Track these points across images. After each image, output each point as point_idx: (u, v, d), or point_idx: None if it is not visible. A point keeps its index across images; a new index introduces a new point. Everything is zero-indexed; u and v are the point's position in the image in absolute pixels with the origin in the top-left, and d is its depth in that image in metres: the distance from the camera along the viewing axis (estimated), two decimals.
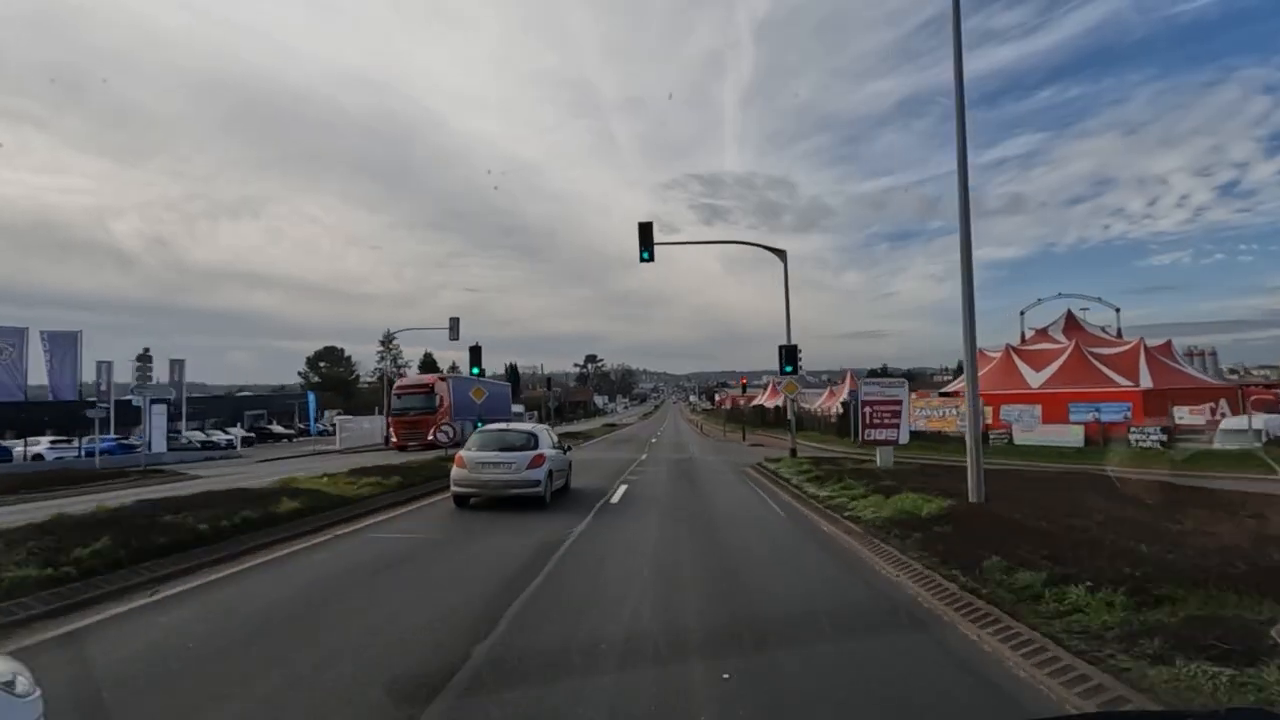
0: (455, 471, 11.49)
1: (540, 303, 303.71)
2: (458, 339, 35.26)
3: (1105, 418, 25.17)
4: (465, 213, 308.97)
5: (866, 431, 16.67)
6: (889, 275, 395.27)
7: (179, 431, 35.58)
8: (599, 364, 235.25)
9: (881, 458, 16.68)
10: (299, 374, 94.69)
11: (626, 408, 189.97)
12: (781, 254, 20.74)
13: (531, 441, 11.92)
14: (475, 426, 15.89)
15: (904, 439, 16.75)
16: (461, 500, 11.49)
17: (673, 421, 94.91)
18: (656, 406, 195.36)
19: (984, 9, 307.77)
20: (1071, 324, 33.84)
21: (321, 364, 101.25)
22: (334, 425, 47.58)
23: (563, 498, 12.55)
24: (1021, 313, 40.72)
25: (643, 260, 20.04)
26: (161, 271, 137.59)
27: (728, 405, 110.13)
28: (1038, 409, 27.14)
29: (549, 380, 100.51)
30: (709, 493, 13.93)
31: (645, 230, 19.92)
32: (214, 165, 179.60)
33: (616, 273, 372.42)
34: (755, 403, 71.58)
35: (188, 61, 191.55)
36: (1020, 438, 26.59)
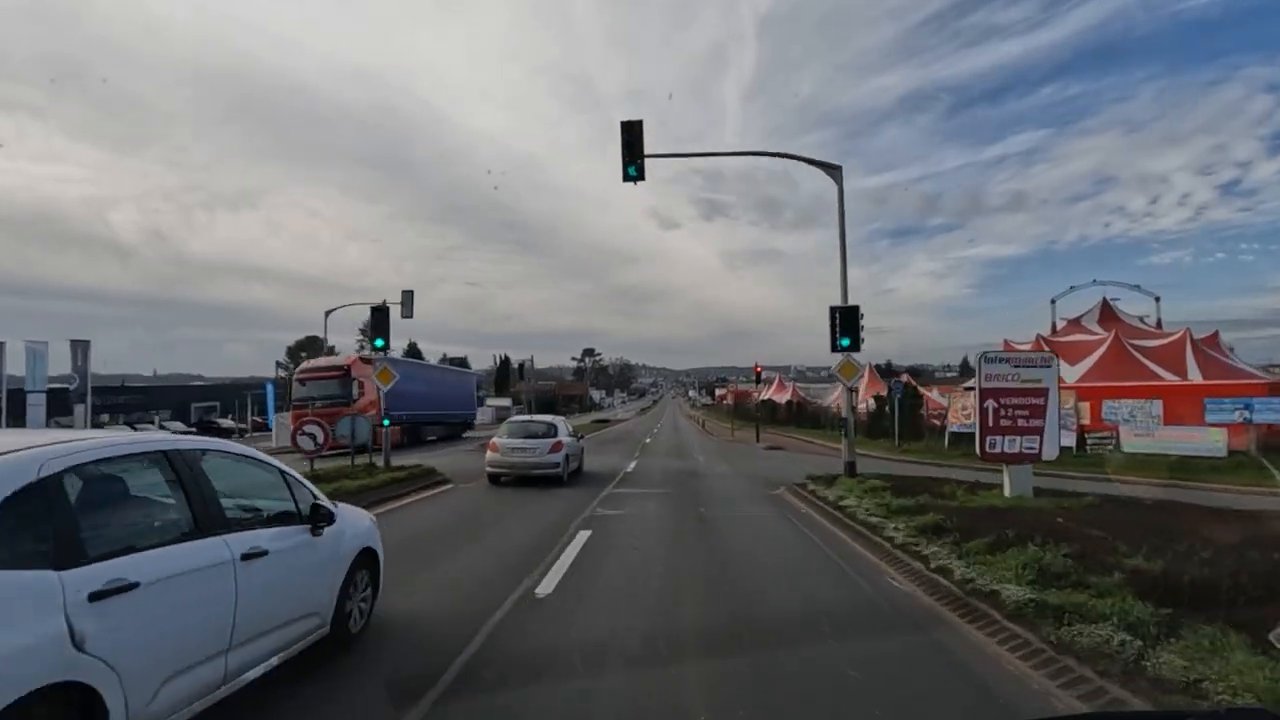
0: (489, 455, 14.07)
1: (541, 297, 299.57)
2: (411, 316, 28.67)
3: (1259, 417, 18.41)
4: (466, 206, 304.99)
5: (990, 440, 9.96)
6: (889, 272, 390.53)
7: (71, 425, 29.80)
8: (596, 358, 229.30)
9: (1015, 482, 9.98)
10: (277, 364, 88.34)
11: (624, 403, 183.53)
12: (835, 171, 14.01)
13: (552, 431, 14.43)
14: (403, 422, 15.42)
15: (1052, 452, 10.06)
16: (494, 479, 13.94)
17: (671, 418, 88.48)
18: (655, 401, 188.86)
19: (987, 4, 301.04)
20: (1108, 313, 30.62)
21: (303, 354, 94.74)
22: (278, 421, 41.81)
23: (578, 478, 15.09)
24: (1053, 301, 38.92)
25: (628, 178, 13.32)
26: (160, 264, 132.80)
27: (730, 401, 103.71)
28: (1156, 405, 20.32)
29: (522, 368, 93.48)
30: (744, 571, 6.51)
31: (631, 134, 13.19)
32: (213, 157, 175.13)
33: (617, 268, 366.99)
34: (764, 397, 64.88)
35: (187, 52, 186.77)
36: (1135, 444, 19.85)
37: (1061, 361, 27.90)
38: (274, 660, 3.44)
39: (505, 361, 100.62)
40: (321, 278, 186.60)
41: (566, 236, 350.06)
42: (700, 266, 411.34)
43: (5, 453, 2.40)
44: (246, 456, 3.88)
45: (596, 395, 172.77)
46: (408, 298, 29.06)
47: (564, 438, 14.33)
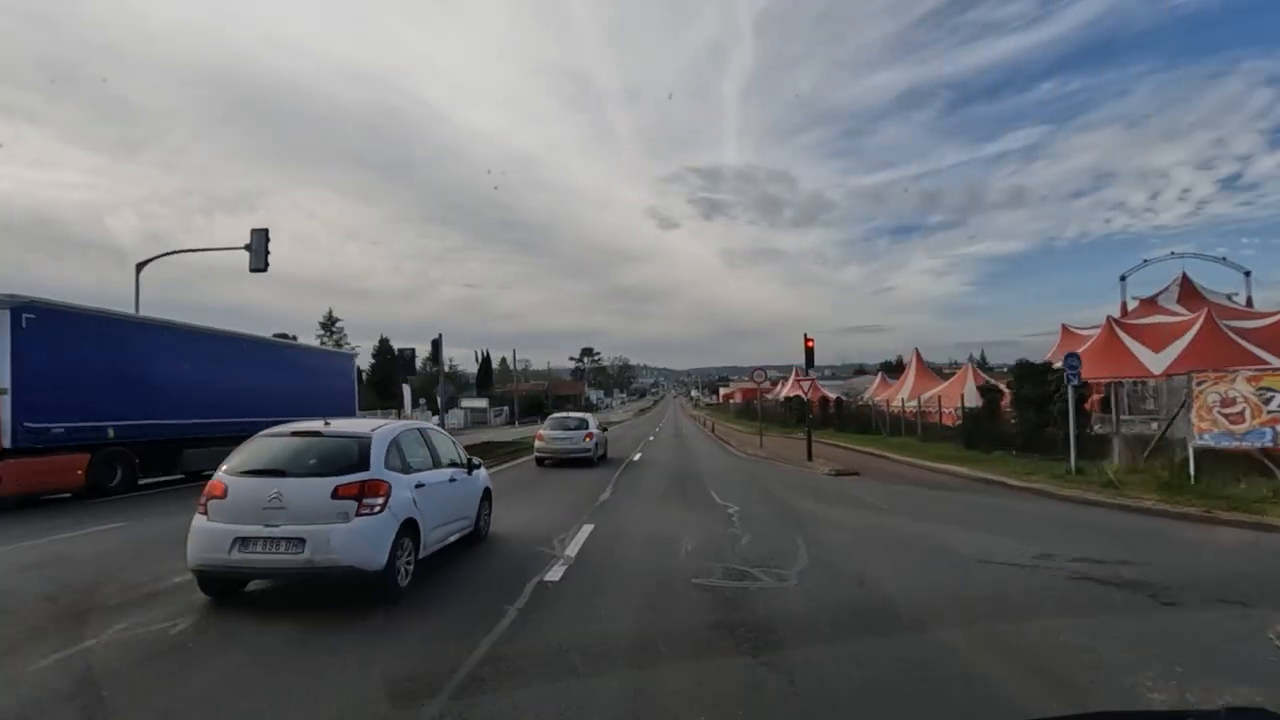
0: (537, 444, 19.13)
1: (541, 297, 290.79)
2: (265, 269, 18.40)
3: None
4: (465, 207, 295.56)
5: None
6: (889, 270, 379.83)
7: None
8: (595, 358, 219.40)
9: None
10: None
11: (623, 403, 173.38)
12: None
13: (584, 424, 19.70)
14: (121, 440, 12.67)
15: None
16: (540, 461, 18.77)
17: (673, 418, 78.03)
18: (656, 402, 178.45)
19: (985, 0, 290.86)
20: (1190, 291, 27.35)
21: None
22: None
23: (604, 461, 19.87)
24: (1122, 278, 35.80)
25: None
26: (158, 267, 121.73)
27: (737, 399, 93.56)
28: None
29: (473, 360, 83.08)
30: None
31: None
32: (210, 159, 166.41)
33: (616, 267, 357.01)
34: (784, 394, 54.67)
35: (185, 54, 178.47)
36: None
37: (1143, 347, 22.83)
38: (454, 536, 7.28)
39: (487, 359, 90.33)
40: (321, 279, 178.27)
41: (566, 236, 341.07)
42: (700, 266, 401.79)
43: (380, 429, 6.19)
44: (443, 432, 8.28)
45: (594, 396, 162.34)
46: (258, 240, 18.86)
47: (594, 430, 19.51)
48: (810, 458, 17.75)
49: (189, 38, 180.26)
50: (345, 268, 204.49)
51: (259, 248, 18.15)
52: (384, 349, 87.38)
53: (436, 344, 21.60)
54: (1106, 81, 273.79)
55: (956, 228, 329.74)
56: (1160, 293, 29.21)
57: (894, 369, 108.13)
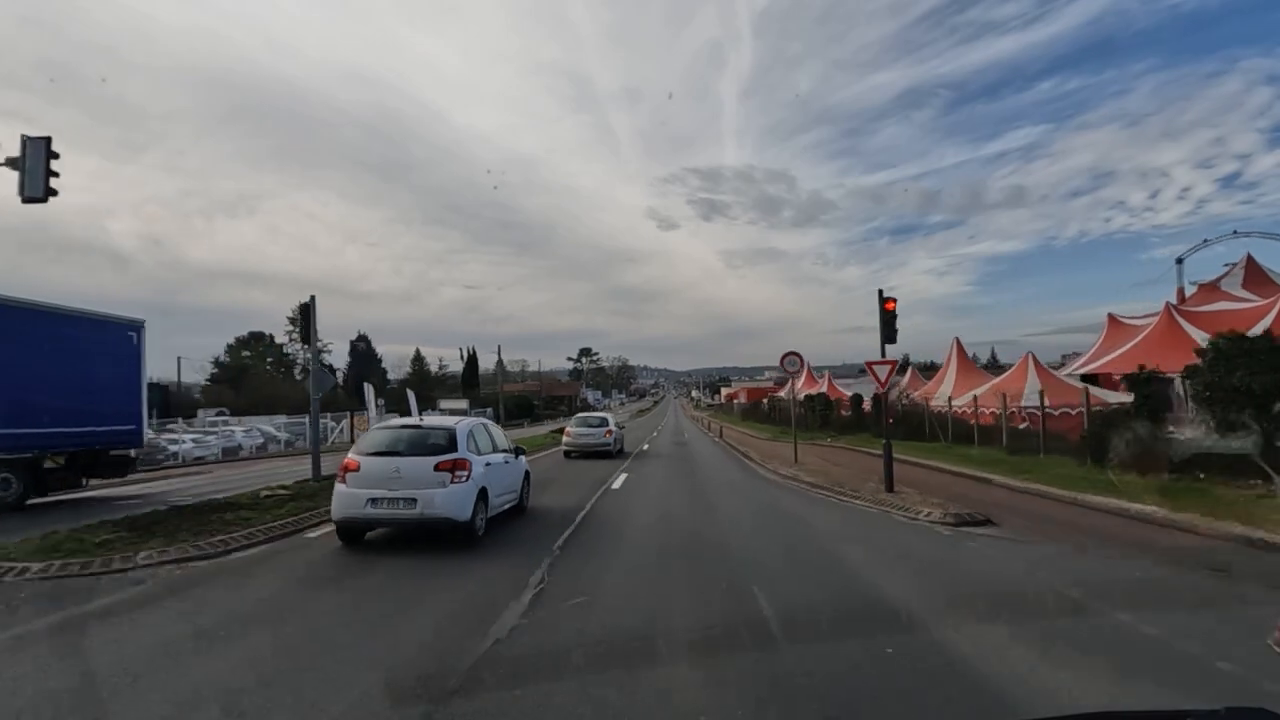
0: (564, 439, 22.58)
1: (540, 298, 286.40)
2: (44, 198, 12.23)
3: None
4: (464, 208, 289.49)
5: None
6: (889, 270, 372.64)
7: None
8: (594, 358, 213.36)
9: None
10: (211, 363, 72.10)
11: (622, 404, 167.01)
12: None
13: (605, 423, 23.06)
14: None
15: None
16: (567, 454, 21.35)
17: (673, 421, 71.65)
18: (656, 402, 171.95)
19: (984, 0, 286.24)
20: (1256, 275, 24.75)
21: (245, 353, 78.42)
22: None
23: (623, 453, 22.62)
24: (1179, 260, 34.78)
25: None
26: (159, 270, 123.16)
27: (742, 399, 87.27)
28: None
29: (483, 363, 76.28)
30: None
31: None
32: (210, 161, 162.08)
33: (616, 268, 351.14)
34: (799, 391, 48.21)
35: (184, 56, 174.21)
36: None
37: (1205, 335, 20.01)
38: (507, 505, 9.26)
39: (473, 357, 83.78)
40: (321, 281, 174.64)
41: (565, 238, 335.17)
42: (700, 266, 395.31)
43: (460, 423, 8.51)
44: (496, 425, 11.03)
45: (591, 396, 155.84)
46: (36, 157, 12.42)
47: (612, 427, 22.76)
48: (891, 487, 11.17)
49: (189, 40, 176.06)
50: (346, 270, 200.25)
51: (35, 166, 11.67)
52: (362, 348, 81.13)
53: (305, 309, 15.01)
54: (1106, 81, 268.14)
55: (956, 227, 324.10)
56: (1222, 276, 27.37)
57: (899, 369, 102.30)
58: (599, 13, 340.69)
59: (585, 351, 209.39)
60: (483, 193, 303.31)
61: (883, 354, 11.47)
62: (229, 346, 74.08)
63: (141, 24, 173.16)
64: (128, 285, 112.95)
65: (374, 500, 7.46)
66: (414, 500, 7.44)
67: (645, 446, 25.70)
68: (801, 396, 44.44)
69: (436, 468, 7.61)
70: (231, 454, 29.73)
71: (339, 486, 7.69)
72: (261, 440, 33.01)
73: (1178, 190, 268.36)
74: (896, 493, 10.94)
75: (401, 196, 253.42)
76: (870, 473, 14.42)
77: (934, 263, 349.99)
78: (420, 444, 7.97)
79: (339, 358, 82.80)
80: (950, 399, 25.69)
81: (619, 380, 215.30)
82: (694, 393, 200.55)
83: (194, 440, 28.33)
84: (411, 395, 52.16)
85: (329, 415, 40.01)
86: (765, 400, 57.39)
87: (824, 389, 51.37)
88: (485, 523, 8.17)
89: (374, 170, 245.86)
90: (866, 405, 29.53)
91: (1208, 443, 11.26)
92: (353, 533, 7.88)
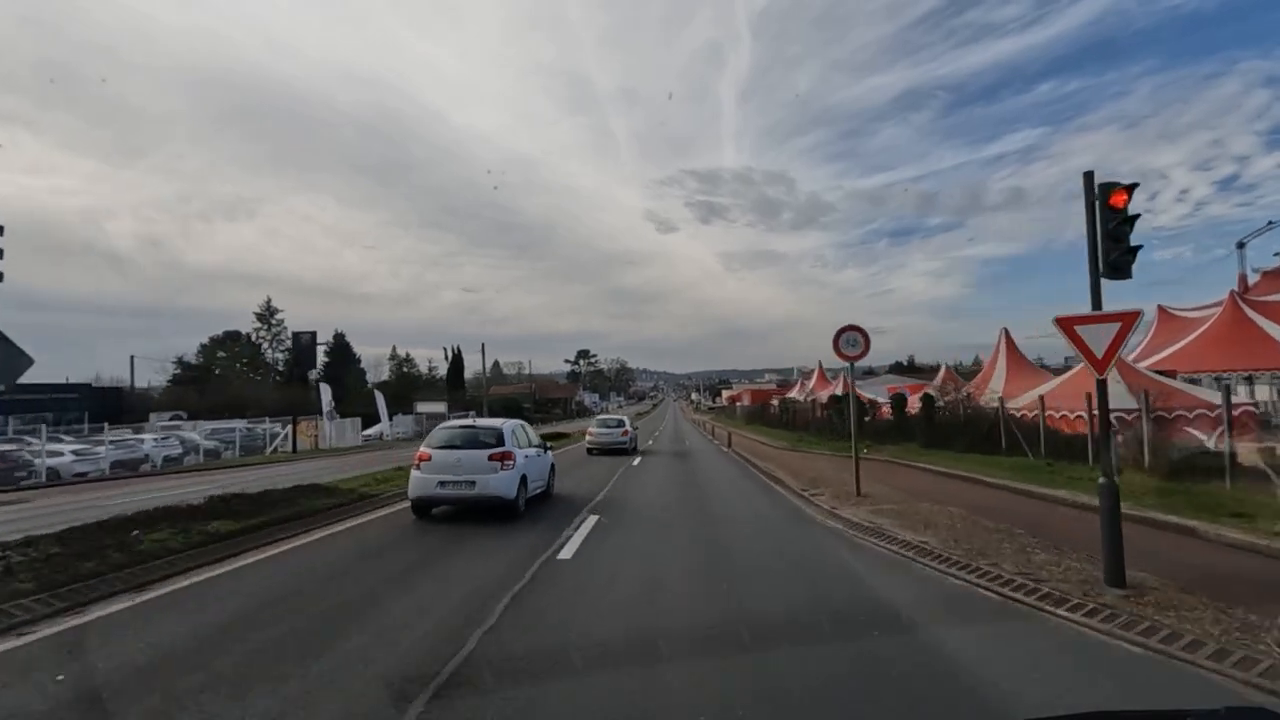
0: (587, 438, 25.58)
1: (539, 300, 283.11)
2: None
3: None
4: (462, 210, 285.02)
5: None
6: (887, 272, 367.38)
7: None
8: (592, 360, 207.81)
9: None
10: (174, 363, 66.32)
11: (620, 406, 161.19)
12: None
13: (622, 424, 25.59)
14: None
15: None
16: (590, 451, 24.01)
17: (673, 423, 65.79)
18: (655, 405, 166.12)
19: (983, 2, 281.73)
20: None
21: (220, 354, 72.60)
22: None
23: (637, 451, 24.72)
24: (1240, 244, 32.42)
25: None
26: (158, 272, 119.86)
27: (745, 401, 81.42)
28: None
29: (462, 360, 70.39)
30: None
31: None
32: (208, 164, 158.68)
33: (615, 271, 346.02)
34: (821, 391, 42.51)
35: (183, 58, 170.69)
36: None
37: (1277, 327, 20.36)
38: (538, 490, 11.24)
39: (457, 357, 77.90)
40: (320, 283, 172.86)
41: (564, 240, 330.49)
42: (699, 269, 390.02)
43: (506, 423, 10.73)
44: (531, 423, 14.78)
45: (589, 399, 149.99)
46: None
47: (629, 428, 25.33)
48: (1123, 579, 5.33)
49: (187, 41, 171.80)
50: (345, 272, 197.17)
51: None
52: (339, 347, 75.27)
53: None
54: (1104, 83, 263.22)
55: (955, 229, 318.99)
56: None
57: (906, 369, 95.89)
58: (597, 14, 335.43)
59: (583, 353, 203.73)
60: (481, 194, 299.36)
61: (1097, 296, 5.59)
62: (203, 346, 68.32)
63: (141, 24, 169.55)
64: (127, 287, 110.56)
65: (442, 483, 9.68)
66: (473, 483, 9.62)
67: (635, 461, 21.06)
68: (821, 397, 38.66)
69: (490, 458, 9.76)
70: (131, 467, 23.93)
71: (415, 473, 9.87)
72: (180, 450, 27.20)
73: (1176, 192, 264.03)
74: (1138, 593, 5.11)
75: (400, 199, 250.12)
76: (999, 518, 8.64)
77: (933, 265, 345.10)
78: (476, 439, 10.14)
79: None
80: (1001, 399, 20.04)
81: (617, 382, 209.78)
82: (693, 395, 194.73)
83: (76, 453, 22.51)
84: (380, 398, 46.36)
85: (269, 420, 34.26)
86: (775, 402, 51.53)
87: (837, 389, 45.67)
88: (524, 502, 10.29)
89: (372, 172, 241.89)
90: (913, 406, 23.75)
91: None
92: (424, 508, 9.94)
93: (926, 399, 21.81)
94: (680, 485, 14.83)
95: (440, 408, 53.62)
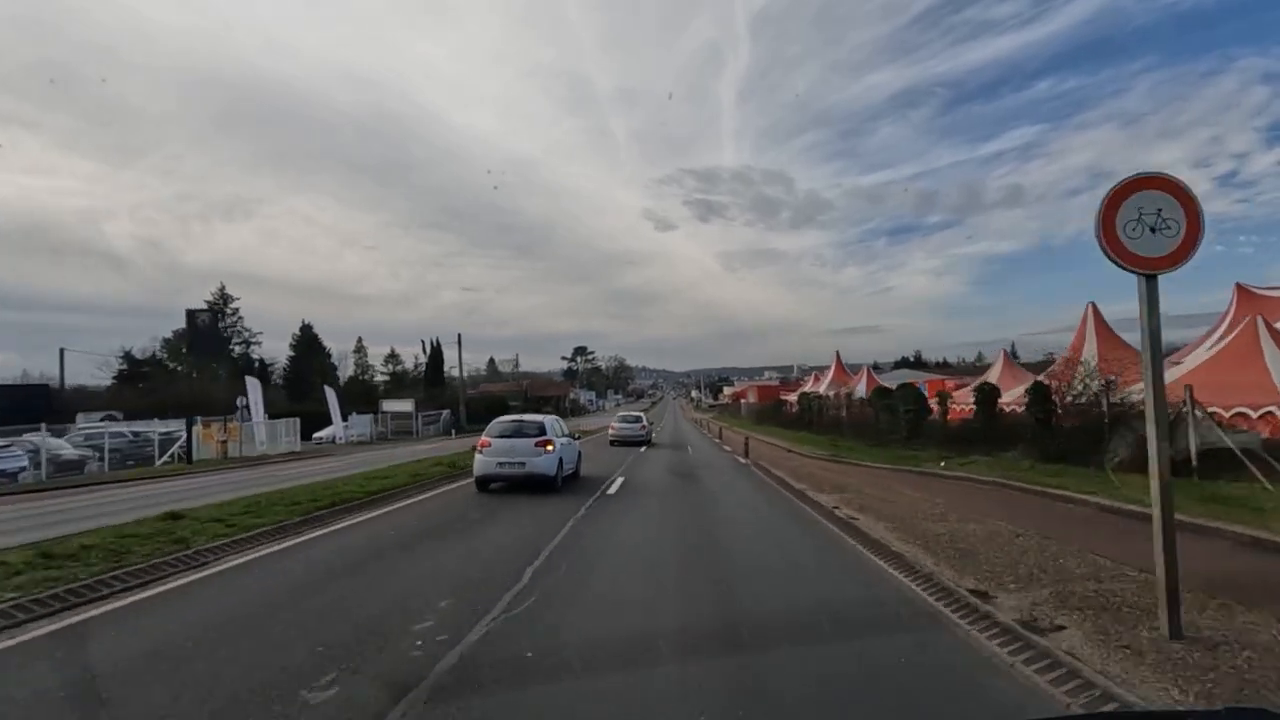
0: (610, 433, 29.05)
1: (539, 300, 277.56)
2: None
3: None
4: (462, 211, 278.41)
5: None
6: (887, 271, 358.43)
7: None
8: (590, 357, 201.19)
9: None
10: (119, 358, 59.60)
11: (618, 405, 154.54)
12: None
13: (642, 420, 30.50)
14: None
15: None
16: (613, 443, 27.28)
17: (672, 422, 59.37)
18: (654, 403, 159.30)
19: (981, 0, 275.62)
20: None
21: (184, 350, 65.88)
22: None
23: (653, 443, 28.43)
24: None
25: None
26: (157, 273, 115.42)
27: (750, 399, 74.57)
28: None
29: (446, 350, 63.34)
30: None
31: None
32: (207, 165, 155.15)
33: (615, 270, 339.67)
34: (838, 388, 35.77)
35: (182, 59, 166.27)
36: None
37: None
38: (569, 472, 13.82)
39: (436, 351, 71.02)
40: (319, 285, 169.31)
41: (564, 240, 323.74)
42: (699, 268, 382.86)
43: (546, 418, 13.83)
44: (561, 420, 15.75)
45: (585, 397, 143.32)
46: None
47: (647, 424, 30.39)
48: None
49: (186, 42, 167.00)
50: (344, 273, 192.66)
51: None
52: (306, 340, 68.44)
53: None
54: (1103, 80, 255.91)
55: (954, 228, 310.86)
56: None
57: (914, 365, 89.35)
58: (596, 15, 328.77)
59: (580, 350, 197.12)
60: (481, 194, 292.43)
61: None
62: (165, 341, 61.54)
63: (141, 25, 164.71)
64: (127, 289, 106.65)
65: (500, 463, 12.50)
66: (524, 463, 12.35)
67: (614, 486, 13.52)
68: (861, 392, 31.78)
69: (535, 444, 12.49)
70: None
71: (479, 456, 12.76)
72: (22, 464, 20.40)
73: None
74: None
75: (399, 199, 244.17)
76: None
77: (932, 263, 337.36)
78: (524, 430, 12.94)
79: (271, 350, 70.46)
80: (1190, 392, 13.41)
81: (615, 380, 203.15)
82: (694, 393, 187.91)
83: None
84: (332, 395, 39.55)
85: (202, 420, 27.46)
86: (791, 399, 44.73)
87: (860, 385, 38.89)
88: (561, 480, 12.89)
89: (372, 172, 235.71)
90: (1012, 402, 16.87)
91: None
92: (485, 483, 12.78)
93: (1037, 391, 14.99)
94: (682, 568, 6.58)
95: (406, 406, 46.86)
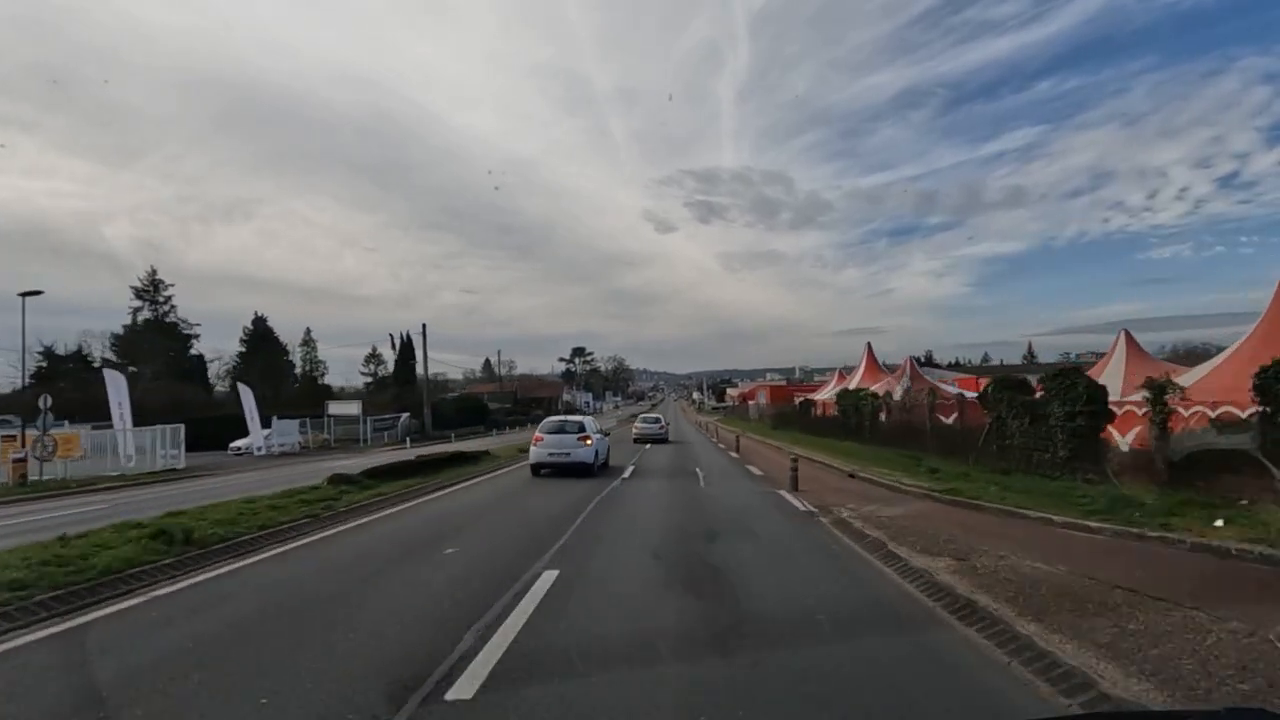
0: (632, 431, 33.37)
1: (539, 302, 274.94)
2: None
3: None
4: (462, 212, 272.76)
5: None
6: (887, 271, 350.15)
7: None
8: (588, 358, 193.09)
9: None
10: (40, 354, 51.60)
11: (617, 407, 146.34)
12: None
13: (660, 420, 34.97)
14: None
15: None
16: (636, 440, 30.82)
17: (673, 426, 51.44)
18: (654, 405, 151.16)
19: (981, 0, 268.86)
20: None
21: (199, 354, 57.78)
22: None
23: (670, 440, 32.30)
24: None
25: None
26: (159, 276, 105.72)
27: (762, 401, 66.27)
28: None
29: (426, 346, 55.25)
30: None
31: None
32: (206, 166, 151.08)
33: (615, 271, 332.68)
34: (881, 387, 27.72)
35: (180, 60, 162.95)
36: None
37: None
38: (602, 461, 17.87)
39: (406, 345, 62.72)
40: (318, 286, 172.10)
41: (564, 241, 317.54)
42: (699, 269, 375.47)
43: (585, 417, 20.11)
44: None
45: (582, 398, 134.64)
46: None
47: (665, 423, 35.19)
48: None
49: (185, 43, 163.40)
50: (344, 274, 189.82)
51: None
52: (259, 334, 60.26)
53: None
54: (1103, 80, 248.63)
55: (955, 228, 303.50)
56: None
57: (924, 365, 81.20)
58: (595, 15, 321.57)
59: (579, 351, 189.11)
60: (481, 195, 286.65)
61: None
62: (116, 338, 53.41)
63: (139, 27, 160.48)
64: (126, 290, 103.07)
65: (550, 453, 16.29)
66: (569, 454, 16.16)
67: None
68: (907, 391, 23.55)
69: (577, 439, 16.46)
70: None
71: (534, 447, 16.78)
72: None
73: (1176, 190, 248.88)
74: None
75: (399, 201, 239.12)
76: None
77: (933, 264, 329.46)
78: (567, 428, 17.18)
79: (226, 342, 62.30)
80: None
81: (614, 382, 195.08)
82: (695, 394, 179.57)
83: None
84: (248, 395, 31.50)
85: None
86: (822, 399, 36.48)
87: (894, 385, 30.82)
88: (598, 468, 16.71)
89: (371, 174, 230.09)
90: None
91: None
92: (538, 469, 16.48)
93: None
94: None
95: (353, 409, 38.75)
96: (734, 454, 23.77)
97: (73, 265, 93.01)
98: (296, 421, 33.52)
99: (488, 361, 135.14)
